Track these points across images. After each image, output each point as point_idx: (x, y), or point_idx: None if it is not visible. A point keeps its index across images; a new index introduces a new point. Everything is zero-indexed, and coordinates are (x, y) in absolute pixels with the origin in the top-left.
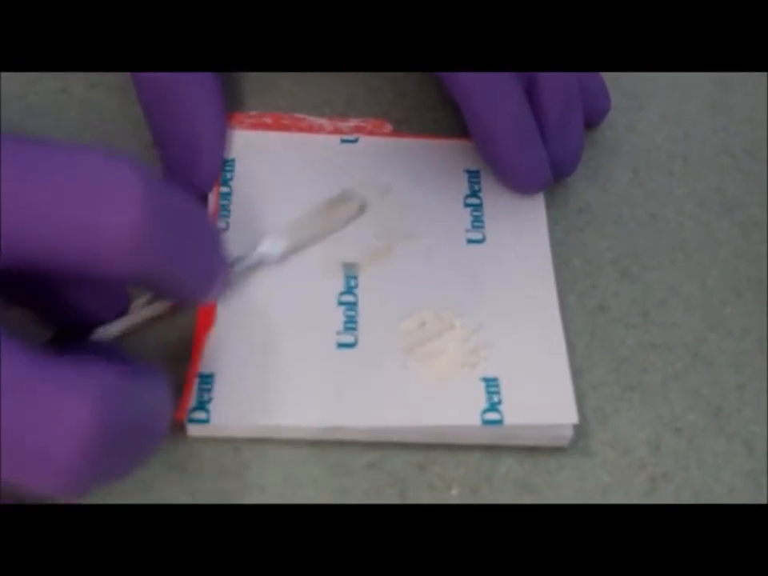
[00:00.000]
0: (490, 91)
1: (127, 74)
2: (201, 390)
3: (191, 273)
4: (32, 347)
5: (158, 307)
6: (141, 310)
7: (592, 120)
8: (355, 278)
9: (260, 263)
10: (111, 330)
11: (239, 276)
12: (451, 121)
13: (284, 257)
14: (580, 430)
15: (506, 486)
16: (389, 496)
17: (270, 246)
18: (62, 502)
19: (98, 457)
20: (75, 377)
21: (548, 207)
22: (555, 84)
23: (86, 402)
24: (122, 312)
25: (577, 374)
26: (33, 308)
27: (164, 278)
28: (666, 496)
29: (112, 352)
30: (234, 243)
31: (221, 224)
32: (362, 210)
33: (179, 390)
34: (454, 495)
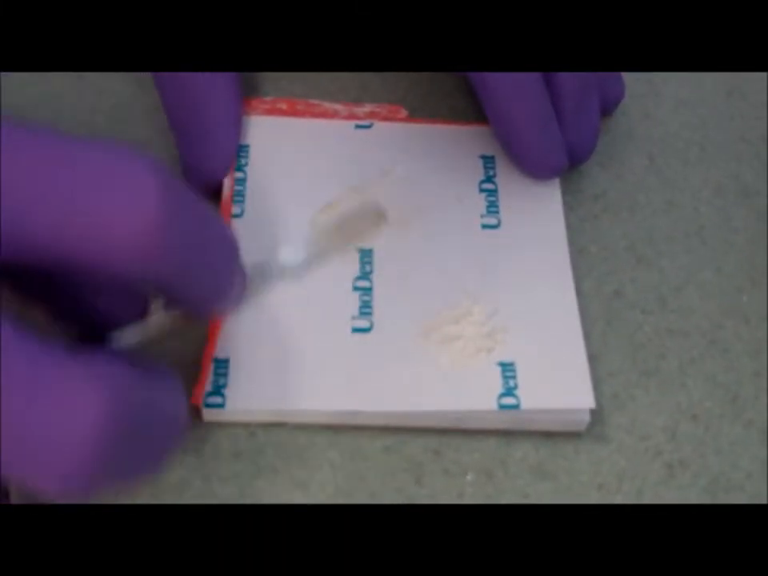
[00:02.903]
0: (508, 78)
1: None
2: (216, 375)
3: (206, 280)
4: (46, 340)
5: (173, 318)
6: (156, 319)
7: (606, 108)
8: (370, 263)
9: (278, 275)
10: (126, 336)
11: (256, 286)
12: (466, 107)
13: (302, 269)
14: (596, 415)
15: (521, 472)
16: (404, 481)
17: (288, 258)
18: (71, 502)
19: (109, 454)
20: (86, 371)
21: (564, 194)
22: (572, 72)
23: (97, 396)
24: (139, 318)
25: (593, 360)
26: (51, 308)
27: (178, 284)
28: (682, 482)
29: (127, 355)
30: (247, 229)
31: (235, 209)
32: (381, 220)
33: (195, 375)
34: (470, 480)
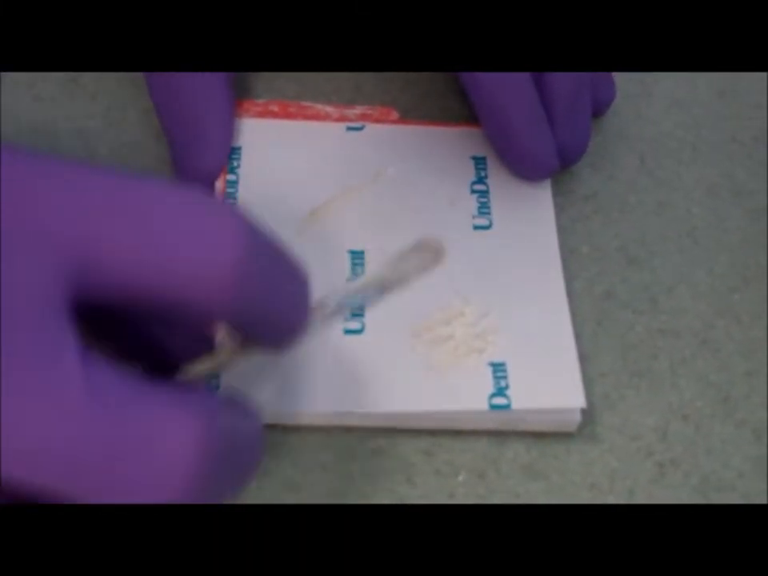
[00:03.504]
0: (499, 78)
1: None
2: (210, 377)
3: (282, 318)
4: (131, 372)
5: (241, 350)
6: (225, 352)
7: (598, 109)
8: (362, 265)
9: (342, 311)
10: (196, 369)
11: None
12: (458, 108)
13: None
14: (587, 415)
15: (513, 472)
16: (396, 481)
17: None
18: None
19: (203, 481)
20: (181, 398)
21: (555, 195)
22: (563, 72)
23: (193, 421)
24: (205, 352)
25: (584, 360)
26: (115, 344)
27: (255, 321)
28: (673, 482)
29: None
30: None
31: None
32: (438, 257)
33: None
34: (461, 481)
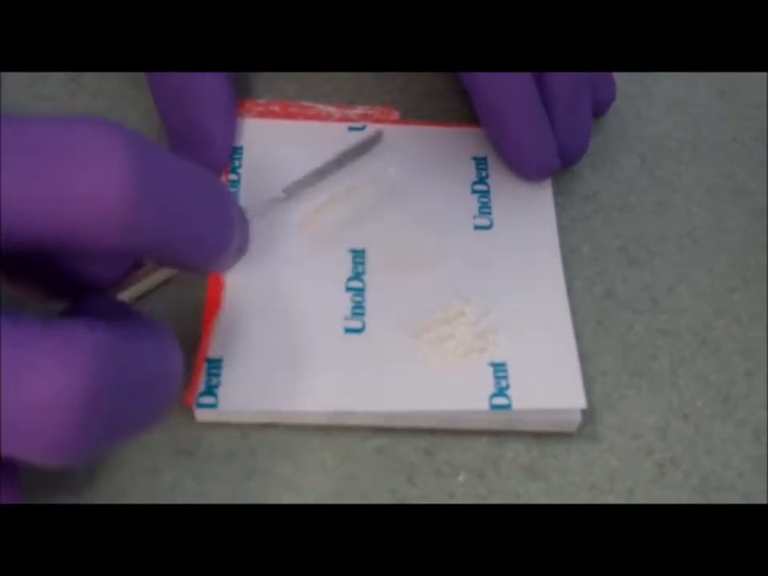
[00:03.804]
0: (500, 78)
1: None
2: (209, 375)
3: (197, 239)
4: (19, 314)
5: (166, 272)
6: (149, 275)
7: (598, 109)
8: (363, 263)
9: (270, 203)
10: (122, 293)
11: (252, 218)
12: (459, 108)
13: (293, 190)
14: (588, 415)
15: (513, 472)
16: (396, 481)
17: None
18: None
19: (95, 416)
20: (60, 336)
21: (555, 194)
22: (564, 72)
23: (73, 362)
24: (128, 274)
25: (585, 360)
26: (33, 284)
27: (165, 248)
28: (673, 482)
29: (118, 312)
30: None
31: None
32: (378, 137)
33: (187, 374)
34: (461, 481)
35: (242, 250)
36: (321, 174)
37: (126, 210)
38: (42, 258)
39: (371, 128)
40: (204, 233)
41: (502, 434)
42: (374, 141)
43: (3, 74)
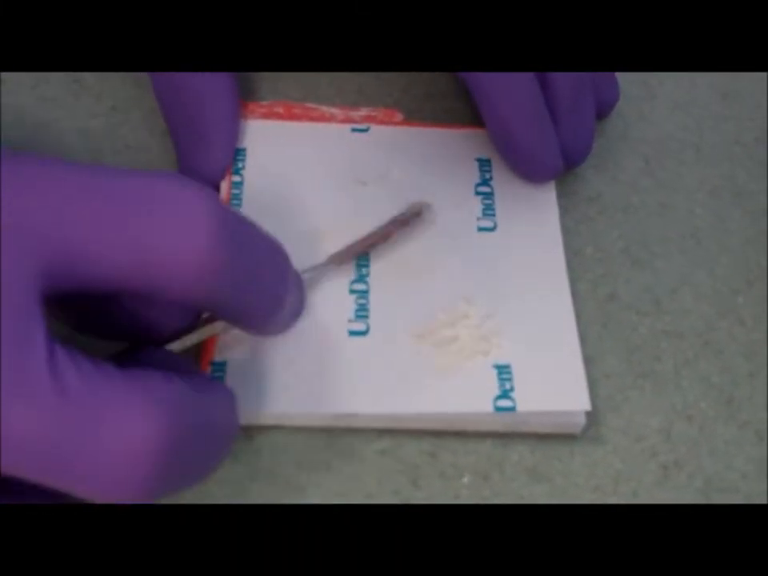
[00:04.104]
0: (504, 79)
1: None
2: (213, 378)
3: (260, 302)
4: (96, 359)
5: (221, 325)
6: (205, 328)
7: (602, 111)
8: (367, 266)
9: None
10: (174, 346)
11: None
12: (462, 110)
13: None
14: (592, 417)
15: (517, 474)
16: (400, 483)
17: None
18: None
19: (168, 468)
20: (141, 388)
21: (559, 196)
22: (567, 73)
23: (155, 413)
24: (187, 328)
25: (588, 362)
26: (98, 322)
27: (232, 307)
28: (677, 483)
29: (178, 365)
30: None
31: None
32: (420, 216)
33: None
34: (465, 483)
35: (296, 314)
36: (365, 243)
37: (210, 263)
38: (117, 301)
39: (419, 203)
40: (267, 293)
41: (506, 436)
42: (422, 215)
43: (5, 75)
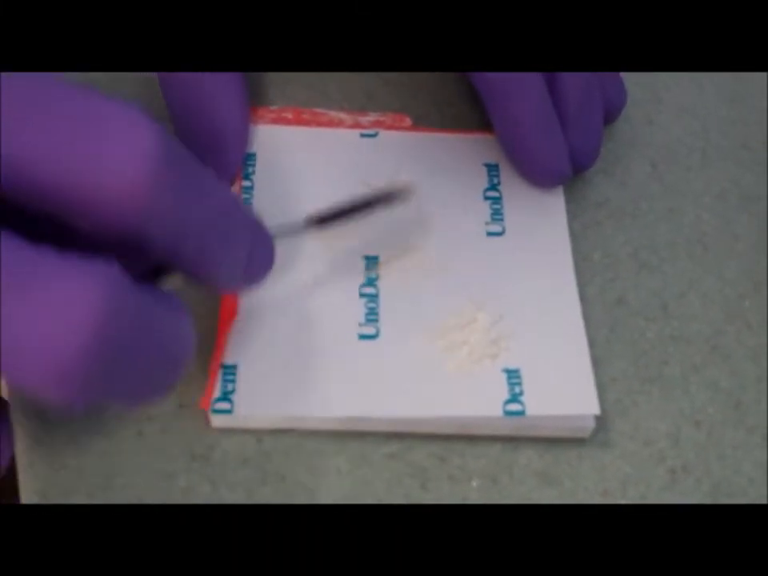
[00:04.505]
0: (512, 83)
1: None
2: (224, 381)
3: (213, 250)
4: (39, 245)
5: (178, 280)
6: (171, 282)
7: (609, 116)
8: (376, 270)
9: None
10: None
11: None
12: (470, 115)
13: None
14: (600, 422)
15: (526, 478)
16: (409, 487)
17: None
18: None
19: (104, 356)
20: (81, 267)
21: (567, 201)
22: (575, 76)
23: (92, 289)
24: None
25: (596, 366)
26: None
27: (180, 245)
28: (685, 488)
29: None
30: None
31: None
32: (405, 193)
33: (203, 380)
34: (475, 487)
35: (262, 269)
36: (345, 214)
37: (146, 185)
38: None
39: (401, 182)
40: (222, 242)
41: (515, 439)
42: (402, 195)
43: None
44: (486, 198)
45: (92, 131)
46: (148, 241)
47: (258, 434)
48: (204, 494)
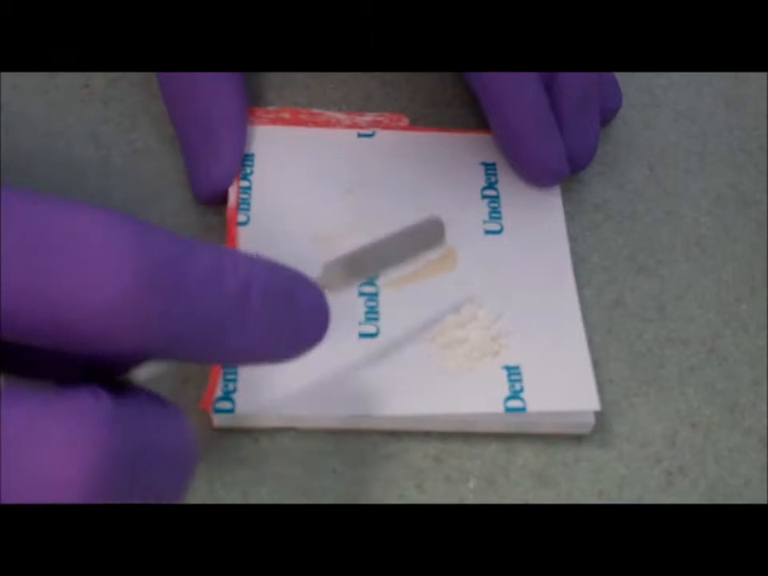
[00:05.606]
0: (510, 83)
1: None
2: (226, 381)
3: (218, 336)
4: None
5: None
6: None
7: (605, 116)
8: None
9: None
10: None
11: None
12: (468, 116)
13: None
14: (597, 423)
15: (522, 479)
16: (406, 488)
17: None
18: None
19: (105, 491)
20: (72, 409)
21: (564, 203)
22: (572, 76)
23: (81, 436)
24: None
25: (594, 367)
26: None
27: (180, 350)
28: (681, 490)
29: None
30: (253, 237)
31: (241, 218)
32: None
33: (204, 380)
34: (471, 487)
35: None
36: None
37: (135, 302)
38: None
39: (434, 220)
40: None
41: (511, 440)
42: (437, 236)
43: (17, 80)
44: (484, 197)
45: (61, 257)
46: (152, 353)
47: (255, 433)
48: (201, 494)
